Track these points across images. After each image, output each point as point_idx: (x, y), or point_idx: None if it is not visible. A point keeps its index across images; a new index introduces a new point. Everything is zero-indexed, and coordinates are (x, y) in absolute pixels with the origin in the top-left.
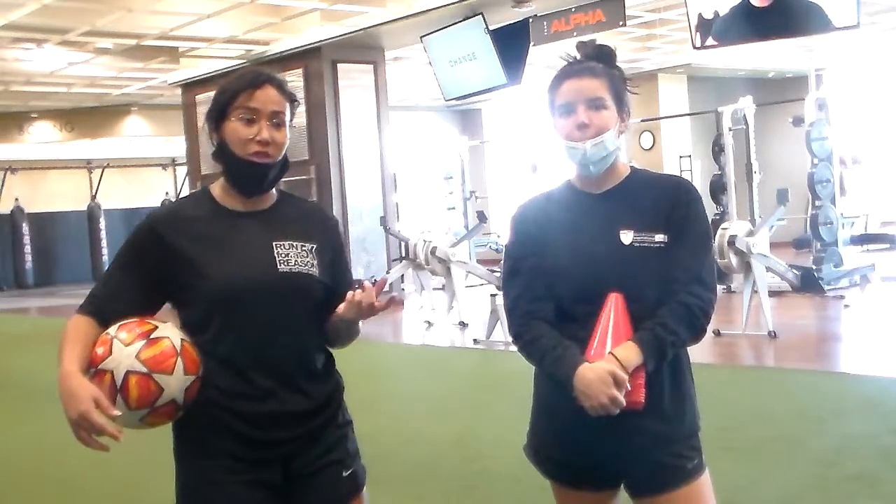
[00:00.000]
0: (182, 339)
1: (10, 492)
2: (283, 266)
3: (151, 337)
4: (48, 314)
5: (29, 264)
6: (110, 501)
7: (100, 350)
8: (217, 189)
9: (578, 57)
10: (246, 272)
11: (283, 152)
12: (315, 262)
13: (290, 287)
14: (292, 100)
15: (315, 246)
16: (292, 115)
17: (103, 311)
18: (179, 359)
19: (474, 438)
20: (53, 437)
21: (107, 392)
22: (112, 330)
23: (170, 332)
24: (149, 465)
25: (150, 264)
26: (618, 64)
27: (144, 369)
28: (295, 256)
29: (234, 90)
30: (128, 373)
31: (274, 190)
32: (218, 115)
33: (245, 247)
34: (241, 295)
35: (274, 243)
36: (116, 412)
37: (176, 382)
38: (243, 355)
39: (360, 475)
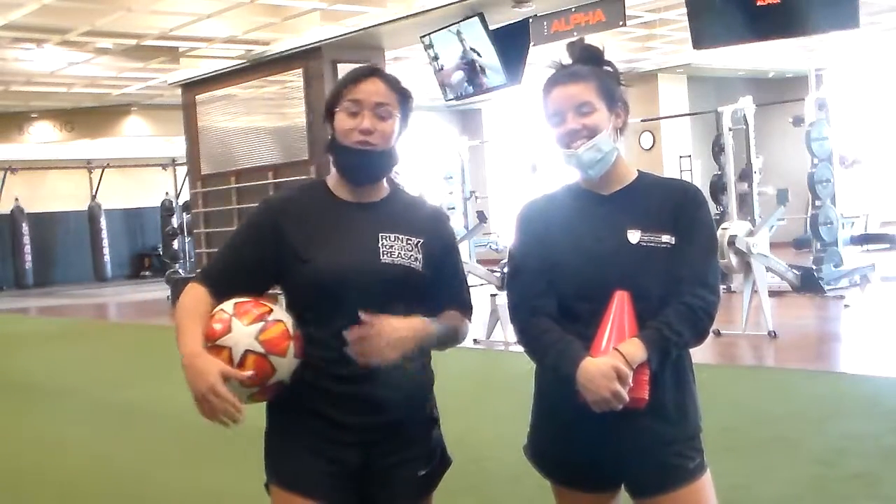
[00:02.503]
0: (293, 324)
1: (11, 492)
2: (385, 257)
3: (268, 319)
4: (48, 314)
5: (29, 264)
6: (110, 501)
7: (217, 326)
8: (331, 180)
9: (568, 59)
10: (348, 260)
11: (391, 144)
12: (419, 256)
13: (389, 278)
14: (404, 95)
15: (421, 240)
16: (406, 110)
17: (219, 285)
18: (292, 342)
19: (475, 438)
20: (53, 437)
21: None
22: (228, 308)
23: (284, 315)
24: (148, 464)
25: (264, 244)
26: (609, 60)
27: (262, 350)
28: (399, 249)
29: (341, 84)
30: (247, 351)
31: (387, 184)
32: (329, 109)
33: (351, 236)
34: (341, 281)
35: (380, 234)
36: (248, 373)
37: (287, 364)
38: (338, 341)
39: (435, 475)
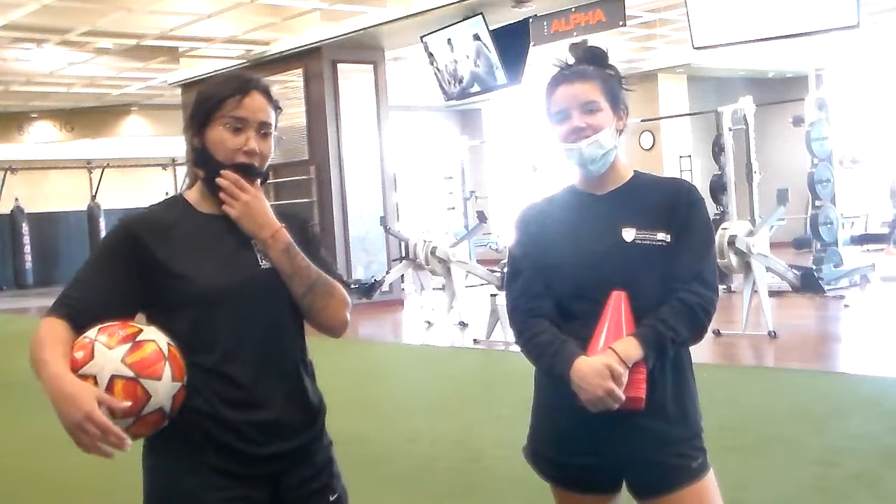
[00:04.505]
0: (168, 343)
1: (10, 492)
2: (264, 263)
3: (137, 340)
4: None
5: (29, 264)
6: (110, 501)
7: (79, 354)
8: (193, 194)
9: (571, 60)
10: (228, 271)
11: (266, 164)
12: None
13: (274, 283)
14: (277, 105)
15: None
16: (276, 123)
17: (77, 315)
18: (167, 363)
19: (474, 438)
20: (53, 438)
21: None
22: (92, 333)
23: (155, 335)
24: None
25: (127, 267)
26: (612, 63)
27: (131, 374)
28: None
29: (221, 96)
30: (113, 377)
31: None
32: (202, 121)
33: (225, 246)
34: (225, 294)
35: (253, 241)
36: (127, 403)
37: (164, 389)
38: (233, 359)
39: (342, 500)
